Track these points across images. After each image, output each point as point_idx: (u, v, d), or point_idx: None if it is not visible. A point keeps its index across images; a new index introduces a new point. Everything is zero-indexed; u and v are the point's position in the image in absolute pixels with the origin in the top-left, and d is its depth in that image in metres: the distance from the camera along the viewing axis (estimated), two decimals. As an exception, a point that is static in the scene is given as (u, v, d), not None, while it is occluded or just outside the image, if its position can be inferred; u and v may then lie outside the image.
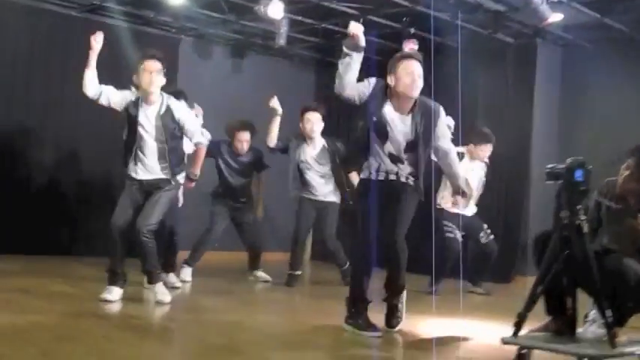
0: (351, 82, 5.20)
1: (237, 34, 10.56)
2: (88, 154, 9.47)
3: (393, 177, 5.33)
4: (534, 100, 9.59)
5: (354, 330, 5.26)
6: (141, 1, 9.36)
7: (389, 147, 5.30)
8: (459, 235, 8.01)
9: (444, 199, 7.82)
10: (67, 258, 8.76)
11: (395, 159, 5.32)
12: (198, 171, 6.70)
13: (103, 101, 6.17)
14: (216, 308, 6.37)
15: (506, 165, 9.68)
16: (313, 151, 8.04)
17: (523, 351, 4.12)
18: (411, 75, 5.22)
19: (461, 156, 7.73)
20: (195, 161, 6.68)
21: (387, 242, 5.26)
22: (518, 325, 4.16)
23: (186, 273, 7.87)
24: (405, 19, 9.20)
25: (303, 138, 8.07)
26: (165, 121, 6.17)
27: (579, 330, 4.39)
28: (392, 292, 5.43)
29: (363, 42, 5.09)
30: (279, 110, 7.84)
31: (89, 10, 9.26)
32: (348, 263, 7.56)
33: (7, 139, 8.94)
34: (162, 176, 6.26)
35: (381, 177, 5.33)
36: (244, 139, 8.15)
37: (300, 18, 9.49)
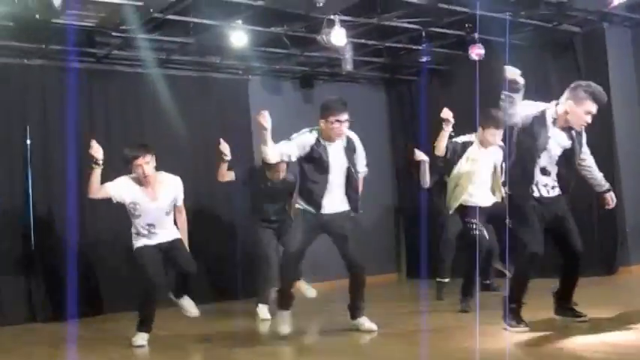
0: (517, 112, 5.68)
1: (303, 65, 10.65)
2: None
3: (556, 192, 5.89)
4: (610, 85, 9.38)
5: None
6: (205, 49, 9.53)
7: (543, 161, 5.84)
8: (485, 230, 7.65)
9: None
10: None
11: (546, 172, 5.85)
12: None
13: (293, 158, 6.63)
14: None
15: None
16: None
17: None
18: (589, 117, 5.86)
19: (463, 145, 7.51)
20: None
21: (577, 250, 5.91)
22: None
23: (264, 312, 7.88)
24: (467, 25, 9.14)
25: None
26: (348, 154, 6.51)
27: None
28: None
29: (522, 83, 5.62)
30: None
31: (158, 66, 9.46)
32: None
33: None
34: (347, 208, 6.51)
35: (544, 193, 5.85)
36: (280, 168, 7.88)
37: (363, 41, 9.52)
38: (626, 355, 4.55)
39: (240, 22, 8.42)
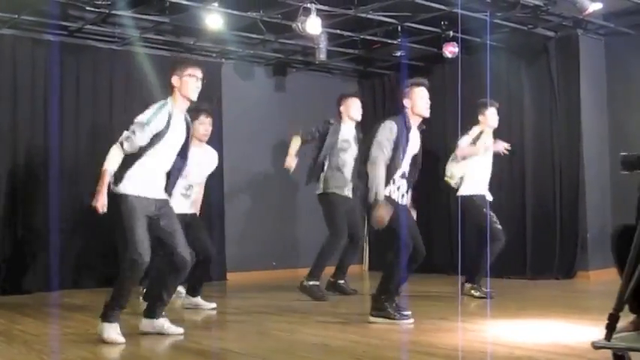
0: None
1: (278, 52, 10.63)
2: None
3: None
4: (580, 91, 9.48)
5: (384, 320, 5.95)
6: (180, 30, 9.48)
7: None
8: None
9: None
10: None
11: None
12: None
13: None
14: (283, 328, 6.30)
15: (558, 160, 9.60)
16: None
17: (620, 353, 3.74)
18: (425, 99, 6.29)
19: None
20: None
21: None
22: (611, 328, 3.69)
23: None
24: (443, 22, 9.17)
25: None
26: None
27: None
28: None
29: None
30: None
31: (129, 43, 9.39)
32: None
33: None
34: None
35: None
36: None
37: (338, 31, 9.51)
38: (577, 357, 4.59)
39: (216, 4, 8.37)
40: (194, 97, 5.68)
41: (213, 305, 7.36)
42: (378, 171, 6.04)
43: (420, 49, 10.22)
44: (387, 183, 6.07)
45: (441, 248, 10.45)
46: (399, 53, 10.30)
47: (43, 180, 8.90)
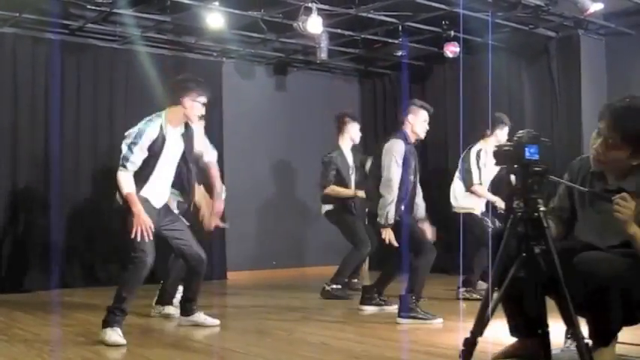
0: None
1: (278, 52, 10.62)
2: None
3: None
4: (581, 91, 9.46)
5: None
6: (181, 28, 9.47)
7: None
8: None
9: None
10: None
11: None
12: None
13: None
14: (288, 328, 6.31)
15: (558, 160, 9.57)
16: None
17: None
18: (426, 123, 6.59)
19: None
20: None
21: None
22: (467, 354, 3.22)
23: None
24: (444, 22, 9.17)
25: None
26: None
27: (556, 350, 3.59)
28: None
29: None
30: None
31: (130, 42, 9.39)
32: None
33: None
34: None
35: None
36: None
37: (339, 30, 9.50)
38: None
39: (217, 3, 8.37)
40: (196, 121, 5.92)
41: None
42: (391, 194, 6.27)
43: (421, 48, 10.22)
44: (400, 202, 6.33)
45: (439, 248, 10.42)
46: (400, 53, 10.31)
47: (43, 178, 8.91)
